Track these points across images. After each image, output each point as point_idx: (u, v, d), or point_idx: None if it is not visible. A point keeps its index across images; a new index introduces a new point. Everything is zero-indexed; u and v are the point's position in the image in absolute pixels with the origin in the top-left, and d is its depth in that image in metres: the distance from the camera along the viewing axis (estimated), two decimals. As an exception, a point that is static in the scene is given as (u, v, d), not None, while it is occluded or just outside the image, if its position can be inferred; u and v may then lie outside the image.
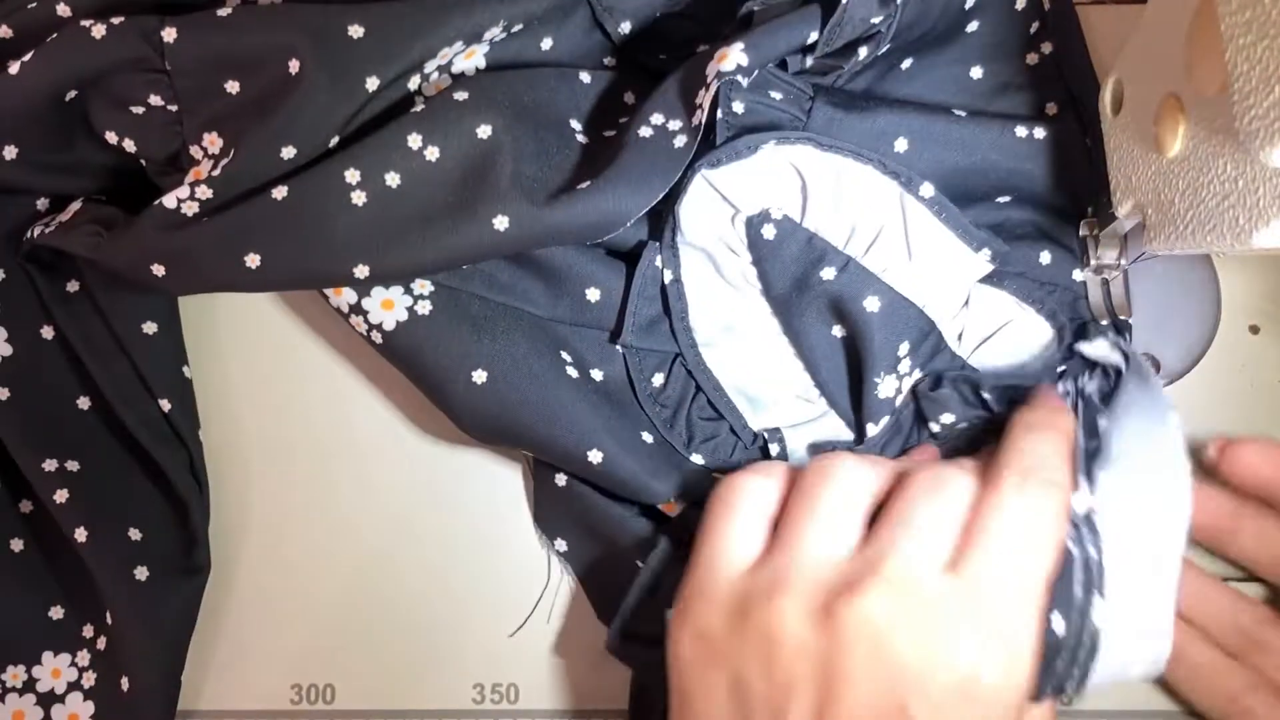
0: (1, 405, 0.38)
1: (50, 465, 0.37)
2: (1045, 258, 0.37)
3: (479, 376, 0.35)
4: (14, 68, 0.34)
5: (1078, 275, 0.37)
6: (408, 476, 0.40)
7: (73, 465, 0.38)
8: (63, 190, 0.38)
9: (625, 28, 0.37)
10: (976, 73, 0.38)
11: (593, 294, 0.36)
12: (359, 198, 0.33)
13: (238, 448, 0.41)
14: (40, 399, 0.38)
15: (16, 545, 0.39)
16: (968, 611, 0.29)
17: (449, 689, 0.39)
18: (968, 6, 0.37)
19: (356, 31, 0.33)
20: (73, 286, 0.39)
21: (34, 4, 0.35)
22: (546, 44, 0.37)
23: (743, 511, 0.32)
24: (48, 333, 0.39)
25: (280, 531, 0.40)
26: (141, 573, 0.37)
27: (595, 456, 0.35)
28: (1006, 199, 0.37)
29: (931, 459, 0.36)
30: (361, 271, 0.33)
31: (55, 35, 0.34)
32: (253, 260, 0.33)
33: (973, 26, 0.38)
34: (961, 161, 0.35)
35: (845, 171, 0.35)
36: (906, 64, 0.37)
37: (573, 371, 0.36)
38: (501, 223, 0.33)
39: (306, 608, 0.40)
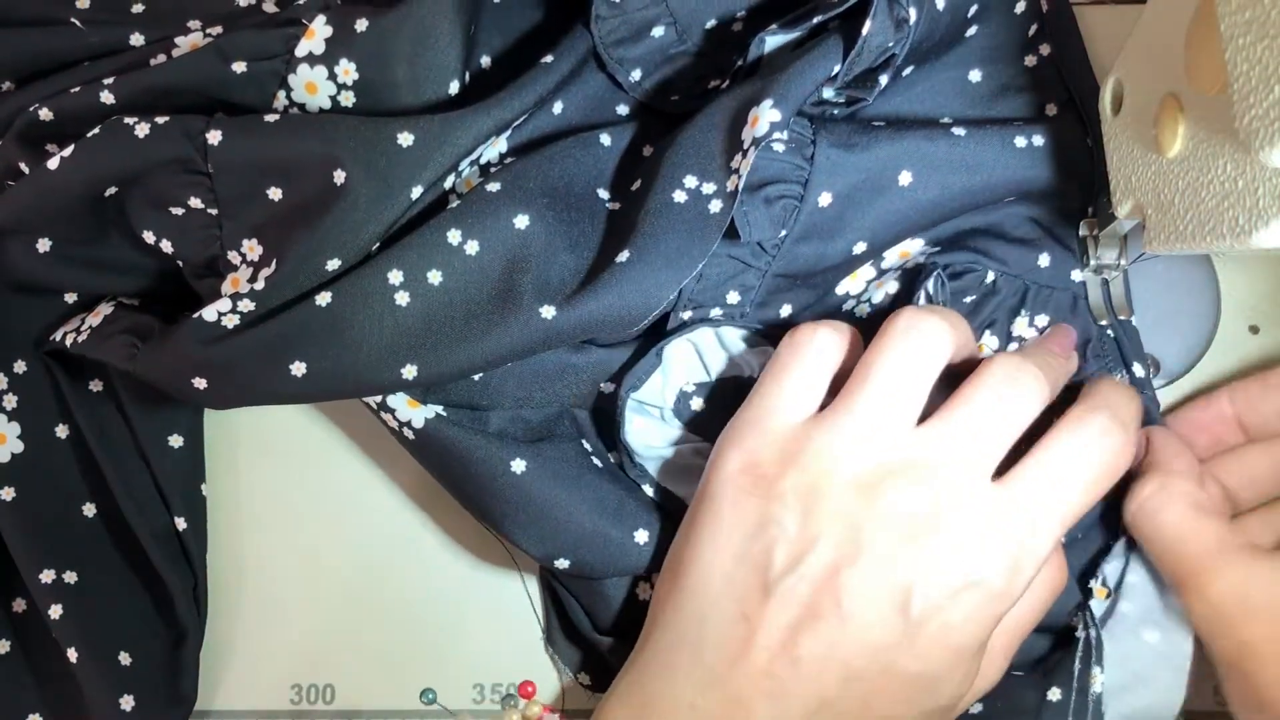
0: (5, 506, 0.37)
1: (48, 577, 0.36)
2: (1044, 259, 0.37)
3: (518, 466, 0.34)
4: (53, 163, 0.33)
5: (1077, 275, 0.37)
6: (408, 476, 0.40)
7: (70, 577, 0.37)
8: (93, 287, 0.38)
9: (636, 75, 0.37)
10: (975, 76, 0.38)
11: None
12: (403, 298, 0.32)
13: (238, 445, 0.41)
14: (46, 502, 0.38)
15: (2, 647, 0.38)
16: (1000, 527, 0.30)
17: (449, 689, 0.39)
18: (969, 14, 0.37)
19: (406, 140, 0.33)
20: (95, 385, 0.38)
21: (77, 89, 0.35)
22: (558, 108, 0.37)
23: (809, 361, 0.33)
24: (62, 431, 0.38)
25: (280, 531, 0.40)
26: (127, 702, 0.36)
27: (642, 537, 0.35)
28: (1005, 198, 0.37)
29: (1062, 346, 0.35)
30: (410, 372, 0.32)
31: (97, 131, 0.33)
32: (298, 369, 0.32)
33: (972, 31, 0.38)
34: (967, 183, 0.35)
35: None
36: (906, 71, 0.37)
37: (596, 461, 0.36)
38: (549, 312, 0.32)
39: (306, 608, 0.40)
